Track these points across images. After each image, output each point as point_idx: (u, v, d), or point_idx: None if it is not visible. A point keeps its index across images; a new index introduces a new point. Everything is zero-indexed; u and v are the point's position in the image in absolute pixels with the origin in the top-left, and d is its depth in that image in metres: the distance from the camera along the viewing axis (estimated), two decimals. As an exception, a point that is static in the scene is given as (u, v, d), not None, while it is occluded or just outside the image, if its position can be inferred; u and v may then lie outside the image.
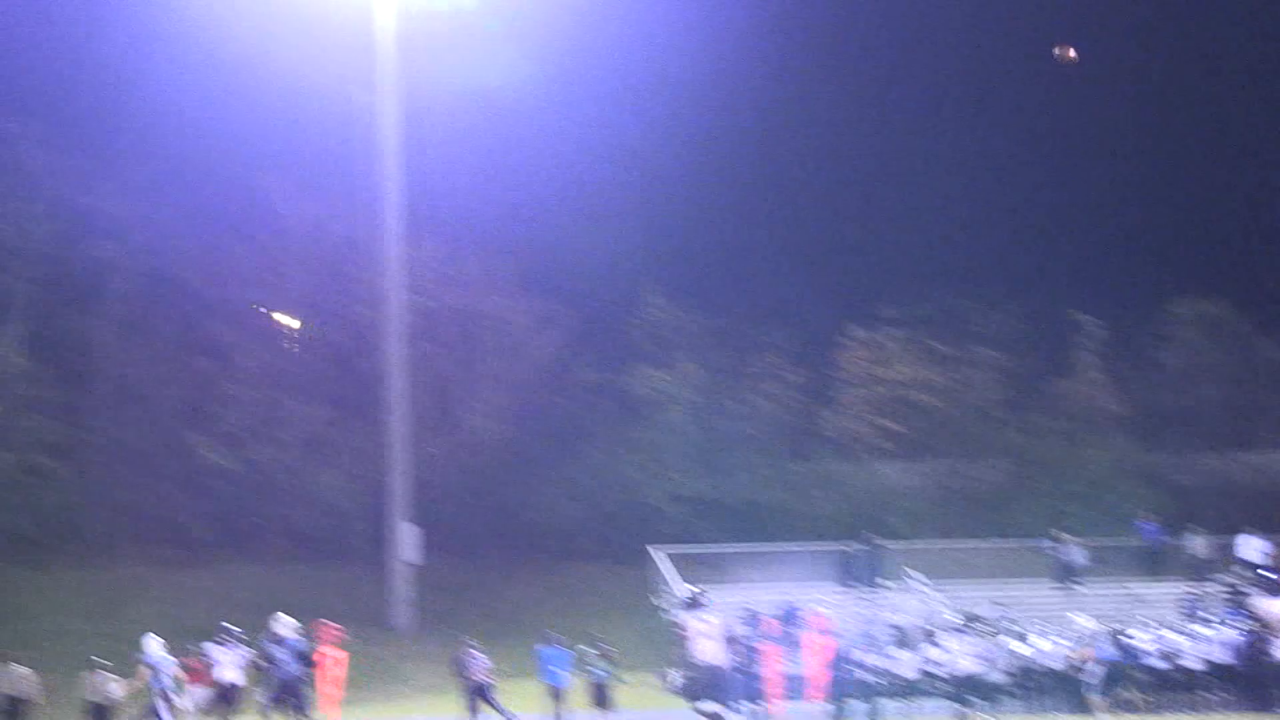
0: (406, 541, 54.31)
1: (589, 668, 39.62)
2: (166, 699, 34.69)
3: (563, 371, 64.76)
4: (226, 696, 36.79)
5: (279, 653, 35.67)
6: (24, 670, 38.37)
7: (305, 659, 36.40)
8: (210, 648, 35.71)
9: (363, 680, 45.59)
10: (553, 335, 64.32)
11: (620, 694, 39.60)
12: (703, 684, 24.71)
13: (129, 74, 65.37)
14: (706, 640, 24.50)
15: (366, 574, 56.14)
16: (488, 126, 65.01)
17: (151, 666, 34.20)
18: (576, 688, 39.62)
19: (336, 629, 38.98)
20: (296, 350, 66.33)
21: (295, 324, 66.28)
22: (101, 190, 64.54)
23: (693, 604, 25.48)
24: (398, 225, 56.57)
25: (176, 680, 35.63)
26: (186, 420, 63.00)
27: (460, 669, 39.19)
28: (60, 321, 65.38)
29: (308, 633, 37.15)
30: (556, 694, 39.31)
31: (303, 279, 65.08)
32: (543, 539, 60.34)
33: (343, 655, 38.96)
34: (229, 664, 34.81)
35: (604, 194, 66.78)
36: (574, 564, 58.18)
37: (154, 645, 34.60)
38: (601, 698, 39.32)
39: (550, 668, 39.48)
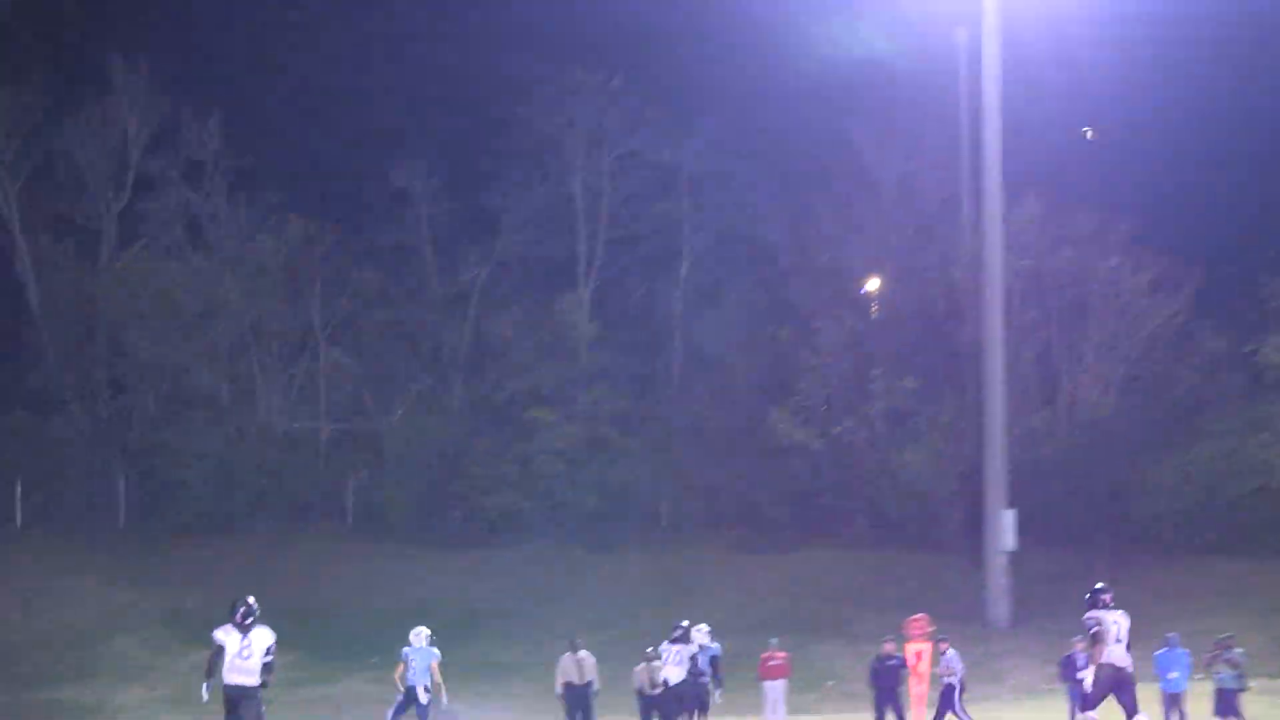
0: (1003, 527, 52.86)
1: (1214, 673, 37.40)
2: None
3: (1183, 340, 62.11)
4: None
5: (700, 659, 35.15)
6: (586, 655, 38.62)
7: (715, 665, 35.82)
8: (665, 647, 34.83)
9: (951, 679, 44.49)
10: (1172, 299, 61.73)
11: (1246, 704, 37.29)
12: (1103, 688, 23.71)
13: (702, 20, 65.95)
14: (1115, 644, 23.28)
15: (957, 562, 55.29)
16: (1099, 67, 62.70)
17: (403, 661, 33.65)
18: (1197, 695, 37.49)
19: (923, 621, 37.96)
20: (883, 317, 65.56)
21: (882, 288, 65.46)
22: (676, 145, 65.49)
23: (1096, 602, 24.09)
24: (998, 179, 54.91)
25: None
26: (763, 392, 63.25)
27: (1066, 671, 37.63)
28: (630, 285, 66.85)
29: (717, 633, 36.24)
30: (1174, 701, 37.21)
31: (891, 239, 64.63)
32: (1156, 526, 57.87)
33: (927, 648, 37.91)
34: (671, 663, 33.79)
35: (1234, 137, 63.45)
36: (1194, 555, 55.60)
37: (419, 637, 33.95)
38: (1227, 707, 37.02)
39: (1168, 674, 37.45)
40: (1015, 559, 53.03)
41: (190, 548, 58.67)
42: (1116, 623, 23.57)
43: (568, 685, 38.13)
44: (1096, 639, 23.53)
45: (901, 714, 35.69)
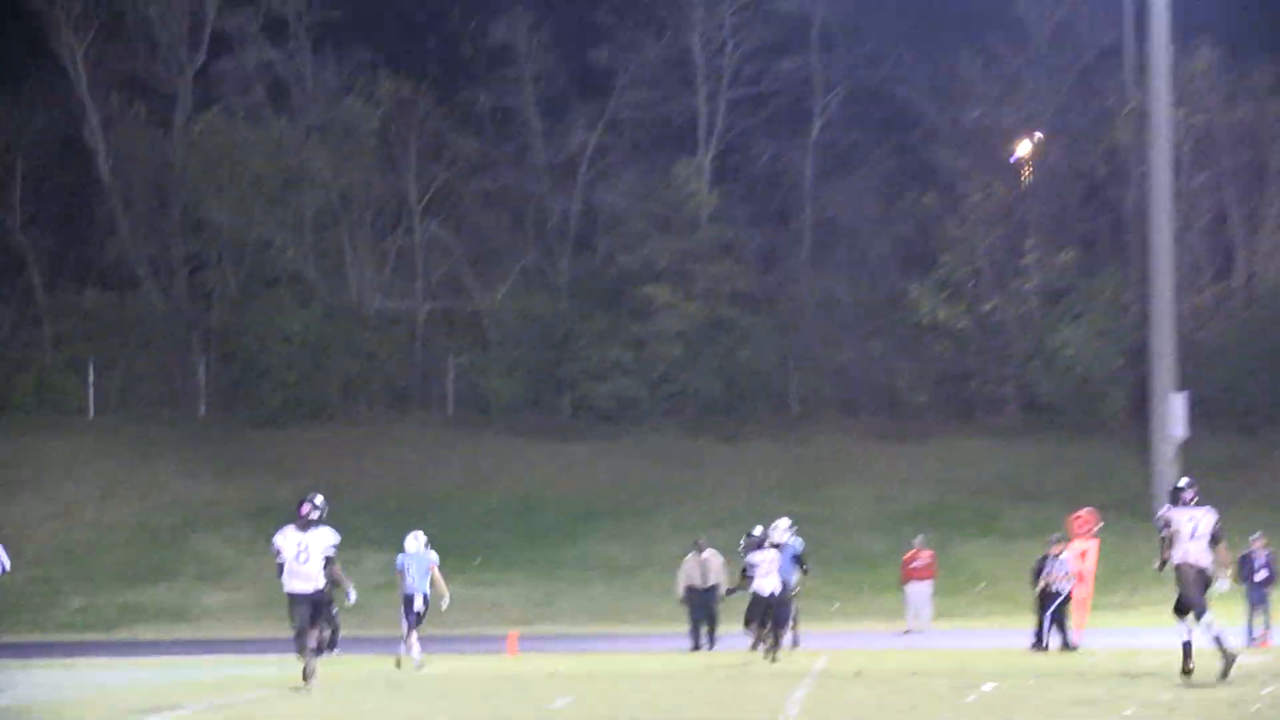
0: (1172, 413, 51.92)
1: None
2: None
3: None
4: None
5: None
6: (711, 555, 37.80)
7: (801, 565, 34.49)
8: (752, 558, 33.50)
9: (1118, 580, 43.60)
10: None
11: None
12: (1195, 587, 23.65)
13: None
14: (1192, 541, 23.57)
15: (1120, 451, 54.93)
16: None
17: (400, 570, 32.45)
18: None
19: (1090, 516, 36.79)
20: (1037, 182, 64.58)
21: (1036, 150, 64.44)
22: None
23: (1177, 500, 24.07)
24: (1166, 26, 53.55)
25: None
26: (904, 267, 63.07)
27: (1244, 570, 36.53)
28: (755, 150, 66.03)
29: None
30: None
31: (1047, 95, 63.79)
32: (1341, 410, 57.95)
33: (1092, 545, 36.80)
34: (766, 572, 32.42)
35: None
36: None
37: (415, 541, 32.75)
38: None
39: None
40: (1185, 447, 52.15)
41: (276, 438, 58.40)
42: (1193, 519, 23.64)
43: (690, 589, 37.36)
44: (1164, 544, 23.73)
45: (1064, 620, 34.66)
